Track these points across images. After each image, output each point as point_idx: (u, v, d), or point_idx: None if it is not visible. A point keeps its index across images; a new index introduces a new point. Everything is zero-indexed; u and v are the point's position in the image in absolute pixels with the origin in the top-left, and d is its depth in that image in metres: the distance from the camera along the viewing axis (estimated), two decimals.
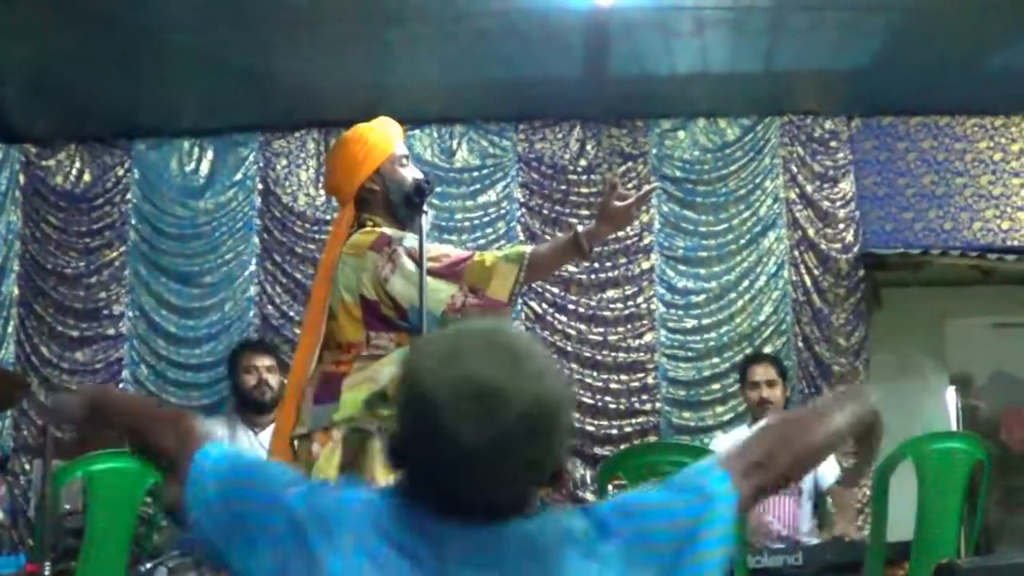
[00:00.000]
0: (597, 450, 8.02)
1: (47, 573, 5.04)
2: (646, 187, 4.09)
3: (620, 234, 7.92)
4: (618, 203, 3.97)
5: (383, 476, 3.86)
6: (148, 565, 5.86)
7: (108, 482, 5.77)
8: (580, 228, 4.07)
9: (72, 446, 6.77)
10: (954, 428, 8.74)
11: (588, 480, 7.50)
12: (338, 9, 6.83)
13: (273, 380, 7.08)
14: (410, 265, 3.96)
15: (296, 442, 4.07)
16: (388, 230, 4.14)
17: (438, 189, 7.95)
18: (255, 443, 6.95)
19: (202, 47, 7.22)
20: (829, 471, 6.92)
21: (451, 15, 6.94)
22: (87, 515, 5.75)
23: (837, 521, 6.82)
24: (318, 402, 4.00)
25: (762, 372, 7.08)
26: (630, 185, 8.23)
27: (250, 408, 7.10)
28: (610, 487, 6.35)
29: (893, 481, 5.55)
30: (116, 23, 6.82)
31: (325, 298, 4.14)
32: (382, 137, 4.42)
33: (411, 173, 4.33)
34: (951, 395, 8.83)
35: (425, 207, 4.10)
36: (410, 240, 4.05)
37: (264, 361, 7.15)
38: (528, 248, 4.04)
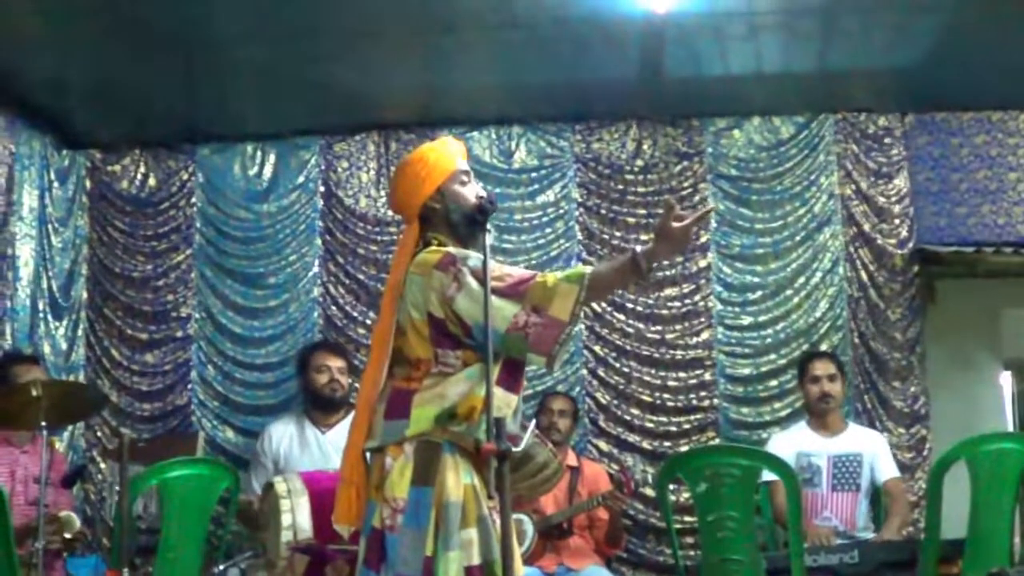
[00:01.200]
0: (656, 447, 8.17)
1: None
2: (702, 209, 4.10)
3: None
4: (676, 224, 3.98)
5: (455, 488, 4.01)
6: (221, 567, 6.05)
7: (182, 489, 5.96)
8: (638, 248, 4.05)
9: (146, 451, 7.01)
10: (1009, 416, 8.82)
11: (649, 479, 7.58)
12: (395, 18, 6.93)
13: (344, 380, 7.25)
14: (475, 284, 4.04)
15: (368, 455, 4.22)
16: (453, 249, 4.21)
17: (497, 190, 8.11)
18: (323, 443, 7.13)
19: (261, 56, 7.32)
20: (885, 468, 7.04)
21: (507, 21, 7.02)
22: (162, 521, 5.93)
23: (891, 515, 6.89)
24: (389, 418, 4.10)
25: (822, 367, 7.22)
26: (687, 184, 8.42)
27: (320, 406, 7.27)
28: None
29: (950, 479, 5.68)
30: (177, 34, 6.96)
31: (393, 315, 4.21)
32: (443, 156, 4.46)
33: (473, 191, 4.38)
34: (1006, 381, 8.88)
35: (488, 226, 4.18)
36: (475, 260, 4.12)
37: (336, 362, 7.34)
38: (588, 268, 4.06)
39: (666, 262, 8.20)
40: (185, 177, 8.75)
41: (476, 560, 3.98)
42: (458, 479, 4.03)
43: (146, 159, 8.79)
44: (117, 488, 5.92)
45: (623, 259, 4.08)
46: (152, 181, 8.76)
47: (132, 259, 8.65)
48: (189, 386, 8.48)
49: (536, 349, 3.97)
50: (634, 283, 4.35)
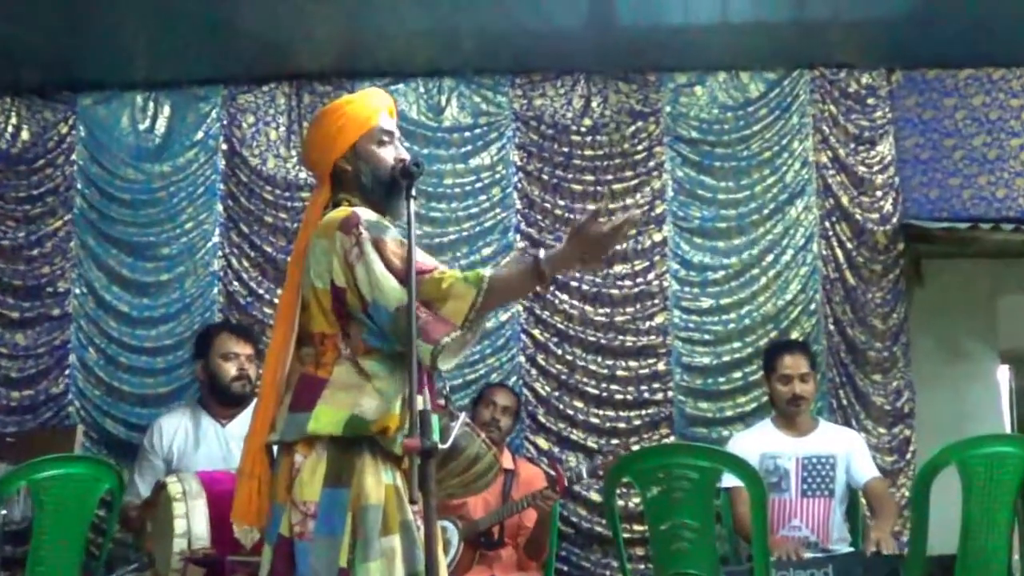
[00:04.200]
0: (602, 445, 8.12)
1: None
2: (627, 214, 3.97)
3: (628, 200, 8.08)
4: (596, 230, 3.86)
5: (374, 490, 3.96)
6: None
7: (56, 490, 5.87)
8: (542, 253, 3.99)
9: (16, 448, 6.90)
10: (1007, 415, 8.84)
11: (584, 474, 7.52)
12: None
13: (252, 371, 7.12)
14: (373, 256, 4.01)
15: (275, 450, 4.16)
16: (362, 210, 4.18)
17: (424, 151, 8.07)
18: (223, 437, 7.04)
19: None
20: (864, 467, 7.01)
21: None
22: (33, 527, 5.85)
23: (879, 517, 6.82)
24: (295, 409, 4.05)
25: (793, 364, 7.09)
26: (641, 147, 8.39)
27: (221, 400, 7.14)
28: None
29: (938, 487, 5.66)
30: None
31: (297, 287, 4.19)
32: (362, 109, 4.43)
33: (391, 153, 4.35)
34: (1003, 375, 8.90)
35: (413, 193, 4.08)
36: (391, 233, 4.10)
37: (245, 349, 7.16)
38: (489, 271, 3.99)
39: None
40: (64, 131, 8.63)
41: (399, 572, 3.94)
42: (379, 479, 3.99)
43: (18, 109, 8.66)
44: None
45: (525, 264, 4.03)
46: (25, 134, 8.64)
47: (2, 225, 8.52)
48: (67, 372, 8.36)
49: (423, 337, 3.90)
50: (537, 291, 4.29)
